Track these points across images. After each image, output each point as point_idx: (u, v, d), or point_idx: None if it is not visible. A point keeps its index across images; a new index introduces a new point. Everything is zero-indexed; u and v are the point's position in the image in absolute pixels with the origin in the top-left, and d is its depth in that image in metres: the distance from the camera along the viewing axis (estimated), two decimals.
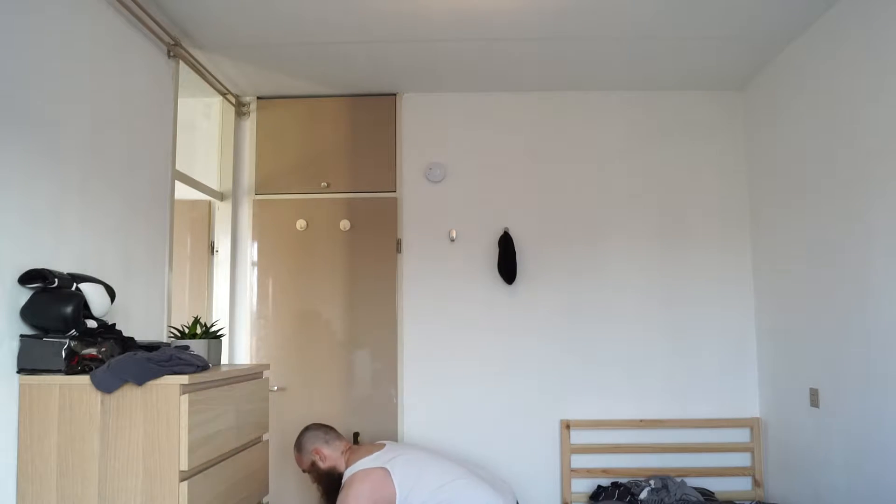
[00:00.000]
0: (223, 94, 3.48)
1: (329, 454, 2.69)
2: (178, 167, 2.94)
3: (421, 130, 3.66)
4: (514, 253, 3.48)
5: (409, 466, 2.57)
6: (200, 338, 2.42)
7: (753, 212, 3.54)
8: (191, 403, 1.82)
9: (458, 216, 3.59)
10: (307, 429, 2.80)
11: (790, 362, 3.16)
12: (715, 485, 3.35)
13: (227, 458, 2.10)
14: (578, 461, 3.43)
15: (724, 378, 3.50)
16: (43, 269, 1.87)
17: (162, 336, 2.69)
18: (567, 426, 3.43)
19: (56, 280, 1.87)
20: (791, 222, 3.13)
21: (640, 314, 3.53)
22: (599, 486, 3.36)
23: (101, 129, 2.30)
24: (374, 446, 2.74)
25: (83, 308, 1.92)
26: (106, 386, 1.78)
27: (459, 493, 2.54)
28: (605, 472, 3.40)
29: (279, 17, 2.79)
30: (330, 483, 2.67)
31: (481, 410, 3.47)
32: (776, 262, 3.29)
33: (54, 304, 1.85)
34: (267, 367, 2.59)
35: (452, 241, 3.57)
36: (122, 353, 1.95)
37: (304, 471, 2.77)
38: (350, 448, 2.75)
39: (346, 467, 2.64)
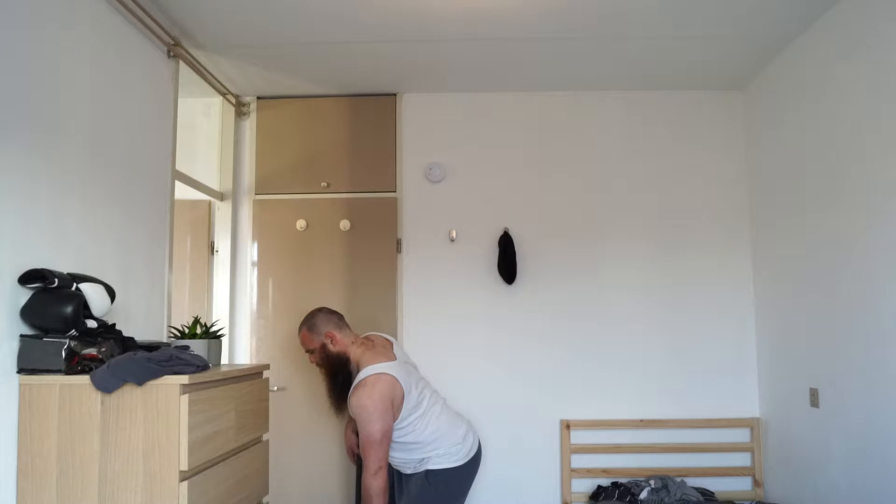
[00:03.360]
0: (223, 94, 3.48)
1: (341, 339, 2.73)
2: (178, 167, 2.94)
3: (421, 130, 3.66)
4: (514, 253, 3.48)
5: (416, 389, 2.71)
6: (200, 338, 2.42)
7: (753, 211, 3.54)
8: (191, 403, 1.82)
9: (458, 216, 3.59)
10: (319, 311, 2.81)
11: (790, 362, 3.16)
12: (715, 485, 3.35)
13: (227, 458, 2.10)
14: (578, 461, 3.43)
15: (724, 378, 3.50)
16: (43, 269, 1.87)
17: (162, 336, 2.69)
18: (567, 426, 3.43)
19: (56, 280, 1.87)
20: (791, 222, 3.13)
21: (640, 313, 3.53)
22: (599, 486, 3.36)
23: (101, 129, 2.30)
24: (385, 348, 2.77)
25: (83, 308, 1.91)
26: (106, 386, 1.78)
27: (448, 430, 2.71)
28: (605, 472, 3.40)
29: (279, 17, 2.79)
30: (336, 365, 2.72)
31: (481, 410, 3.46)
32: (776, 262, 3.29)
33: (54, 304, 1.85)
34: (267, 367, 2.59)
35: (452, 241, 3.57)
36: (122, 353, 1.95)
37: (308, 349, 2.78)
38: (359, 341, 2.77)
39: (359, 361, 2.69)
